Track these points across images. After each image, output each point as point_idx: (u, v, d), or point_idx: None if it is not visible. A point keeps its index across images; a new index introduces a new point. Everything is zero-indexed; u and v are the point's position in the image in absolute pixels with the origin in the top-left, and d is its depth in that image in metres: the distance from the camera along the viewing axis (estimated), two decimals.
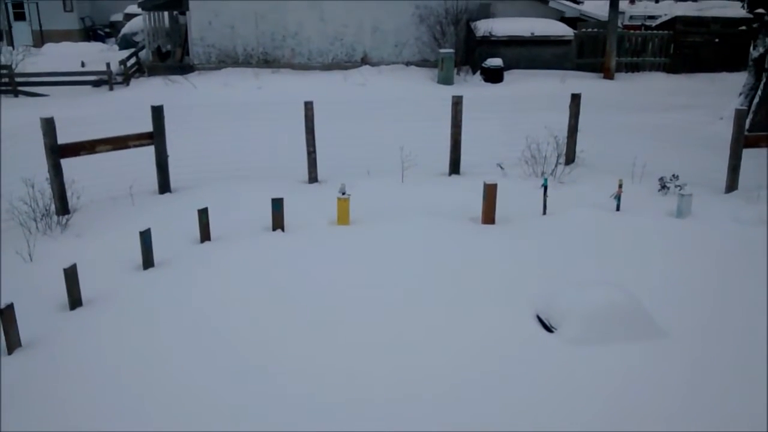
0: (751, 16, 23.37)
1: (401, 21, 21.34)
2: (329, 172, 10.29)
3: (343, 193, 8.35)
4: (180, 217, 8.38)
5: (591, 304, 6.03)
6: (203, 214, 7.83)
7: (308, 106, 10.18)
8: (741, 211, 8.79)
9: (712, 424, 4.77)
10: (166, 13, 23.05)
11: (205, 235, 7.87)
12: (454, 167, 10.73)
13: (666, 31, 22.78)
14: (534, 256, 7.45)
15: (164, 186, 9.81)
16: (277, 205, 8.08)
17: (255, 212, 8.44)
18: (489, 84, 19.85)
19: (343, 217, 8.36)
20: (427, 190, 9.73)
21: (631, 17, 31.43)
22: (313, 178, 10.29)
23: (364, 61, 21.40)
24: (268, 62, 20.92)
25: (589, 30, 22.21)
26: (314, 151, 10.25)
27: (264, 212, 8.19)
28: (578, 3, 31.77)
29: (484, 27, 20.73)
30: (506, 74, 20.18)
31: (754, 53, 15.22)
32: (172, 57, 22.46)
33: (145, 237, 7.12)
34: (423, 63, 21.43)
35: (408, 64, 21.54)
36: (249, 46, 20.84)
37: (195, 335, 5.85)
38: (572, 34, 21.50)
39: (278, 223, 8.12)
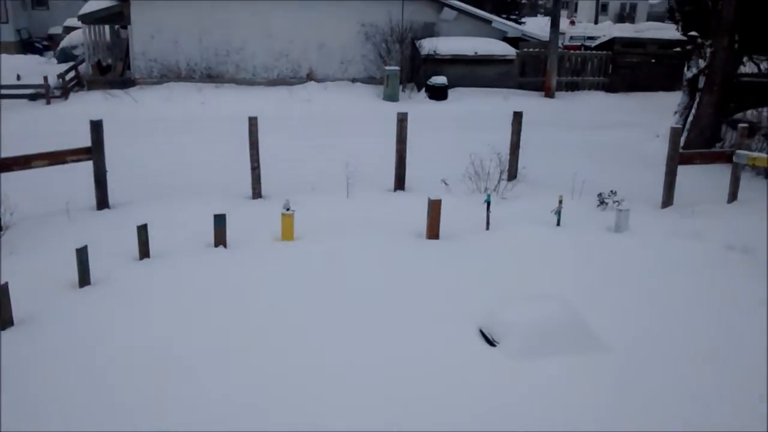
0: (685, 38, 24.25)
1: (347, 38, 21.42)
2: (274, 188, 10.21)
3: (288, 209, 8.28)
4: (118, 233, 8.17)
5: (532, 318, 6.11)
6: (142, 230, 7.65)
7: (252, 122, 10.09)
8: (677, 225, 9.05)
9: None
10: (107, 27, 22.61)
11: (144, 252, 7.68)
12: (400, 183, 10.77)
13: (605, 52, 23.43)
14: (477, 271, 7.51)
15: (102, 202, 9.57)
16: (220, 220, 7.96)
17: (197, 228, 8.29)
18: (434, 101, 20.06)
19: (288, 233, 8.28)
20: (372, 205, 9.73)
21: (571, 38, 32.26)
22: (257, 193, 10.19)
23: (310, 77, 21.38)
24: (211, 77, 20.71)
25: (531, 50, 22.68)
26: (258, 167, 10.15)
27: (206, 228, 8.06)
28: (520, 23, 32.50)
29: (428, 45, 20.97)
30: (451, 92, 20.43)
31: (689, 74, 15.80)
32: (112, 71, 22.03)
33: (82, 254, 6.91)
34: (369, 80, 21.54)
35: (354, 80, 21.60)
36: (192, 61, 20.60)
37: (131, 355, 5.68)
38: (515, 53, 21.93)
39: (220, 239, 8.00)
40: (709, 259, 7.95)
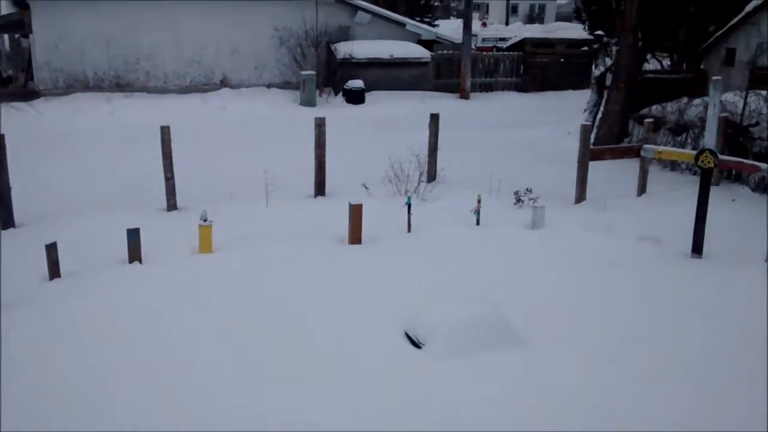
0: (592, 37, 25.12)
1: (261, 43, 21.15)
2: (190, 199, 9.94)
3: (205, 220, 8.07)
4: (26, 253, 7.77)
5: (456, 318, 6.16)
6: (52, 249, 7.29)
7: (165, 131, 9.80)
8: (590, 219, 9.33)
9: (571, 427, 4.97)
10: (6, 37, 21.57)
11: (54, 272, 7.32)
12: (320, 189, 10.69)
13: (516, 53, 24.01)
14: (401, 274, 7.52)
15: (7, 221, 9.08)
16: (133, 235, 7.68)
17: (109, 244, 7.97)
18: (351, 105, 20.06)
19: (206, 245, 8.07)
20: (293, 212, 9.62)
21: (483, 39, 32.90)
22: (172, 205, 9.89)
23: (224, 83, 21.00)
24: (121, 86, 20.04)
25: (445, 52, 23.00)
26: (172, 178, 9.86)
27: (119, 243, 7.75)
28: (434, 26, 32.88)
29: (344, 49, 20.96)
30: (368, 95, 20.48)
31: (596, 72, 16.37)
32: (14, 83, 21.03)
33: None
34: (285, 85, 21.33)
35: (269, 86, 21.35)
36: (100, 70, 19.88)
37: (42, 378, 5.40)
38: (429, 56, 22.18)
39: (135, 254, 7.71)
40: (622, 251, 8.22)
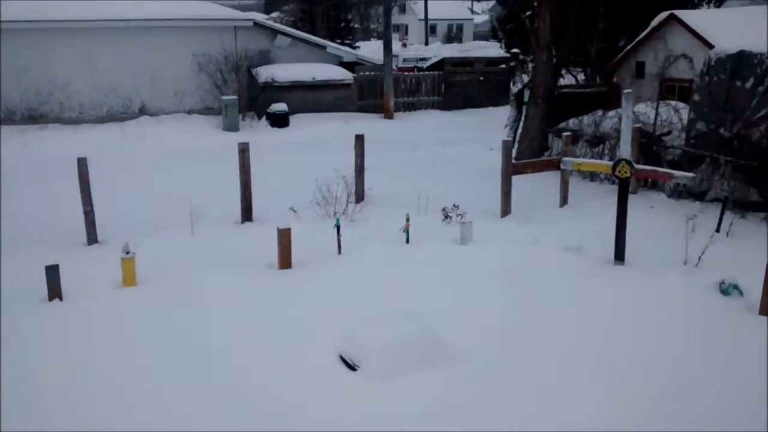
0: (509, 55, 25.80)
1: (180, 70, 20.81)
2: (112, 231, 9.60)
3: (127, 253, 7.81)
4: None
5: (390, 337, 6.13)
6: None
7: (81, 162, 9.47)
8: (516, 232, 9.49)
9: None
10: None
11: None
12: (247, 214, 10.53)
13: (437, 72, 24.41)
14: (333, 297, 7.46)
15: None
16: (52, 272, 7.36)
17: (28, 282, 7.61)
18: (276, 129, 19.93)
19: (129, 278, 7.81)
20: (219, 240, 9.43)
21: (404, 60, 33.36)
22: (92, 239, 9.54)
23: (143, 111, 20.53)
24: (34, 118, 19.33)
25: (368, 73, 23.17)
26: (92, 211, 9.52)
27: (39, 281, 7.41)
28: (355, 48, 33.15)
29: (265, 73, 20.86)
30: (292, 118, 20.40)
31: (514, 89, 16.76)
32: None
33: None
34: (206, 111, 21.02)
35: (190, 112, 21.00)
36: (11, 102, 19.13)
37: None
38: (352, 77, 22.30)
39: (55, 291, 7.38)
40: (547, 262, 8.38)
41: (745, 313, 7.02)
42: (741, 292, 7.30)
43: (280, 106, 20.24)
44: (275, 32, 22.37)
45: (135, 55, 20.26)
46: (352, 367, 6.00)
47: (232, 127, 19.47)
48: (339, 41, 32.17)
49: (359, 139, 11.52)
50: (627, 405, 5.44)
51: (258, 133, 18.54)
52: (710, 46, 15.00)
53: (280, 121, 20.10)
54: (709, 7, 23.46)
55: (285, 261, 8.34)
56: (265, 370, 5.94)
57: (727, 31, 16.06)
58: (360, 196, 11.28)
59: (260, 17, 26.14)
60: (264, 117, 20.49)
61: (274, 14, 44.75)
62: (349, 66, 23.14)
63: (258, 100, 20.84)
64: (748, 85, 10.88)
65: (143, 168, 14.64)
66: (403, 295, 7.46)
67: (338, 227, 8.85)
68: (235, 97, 19.93)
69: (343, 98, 22.04)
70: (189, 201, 9.84)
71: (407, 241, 9.11)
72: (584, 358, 6.14)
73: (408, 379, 5.72)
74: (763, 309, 6.95)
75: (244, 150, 10.50)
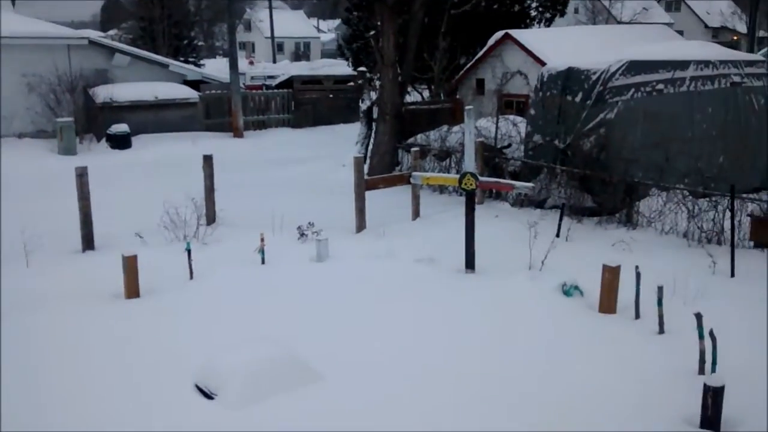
0: (356, 73, 26.22)
1: (7, 91, 19.32)
2: None
3: None
4: None
5: (248, 362, 5.95)
6: None
7: None
8: (371, 247, 9.59)
9: None
10: None
11: None
12: (88, 243, 9.89)
13: (286, 90, 24.32)
14: (187, 324, 7.15)
15: None
16: None
17: None
18: (117, 151, 18.97)
19: None
20: (57, 272, 8.77)
21: (252, 78, 32.98)
22: None
23: None
24: None
25: (214, 92, 22.66)
26: None
27: None
28: (199, 66, 32.39)
29: (104, 93, 19.84)
30: (135, 139, 19.51)
31: (363, 106, 17.01)
32: None
33: None
34: (39, 134, 19.64)
35: (21, 136, 19.54)
36: None
37: None
38: (197, 96, 21.72)
39: None
40: (402, 274, 8.52)
41: (587, 311, 7.48)
42: (582, 293, 7.78)
43: (120, 127, 19.29)
44: (113, 50, 21.39)
45: None
46: (209, 396, 5.76)
47: (68, 150, 18.30)
48: (183, 59, 31.29)
49: (208, 159, 11.19)
50: (484, 402, 5.61)
51: (98, 156, 17.55)
52: (542, 63, 16.04)
53: (121, 142, 19.16)
54: (540, 27, 25.11)
55: (132, 289, 7.90)
56: (112, 409, 5.56)
57: (557, 49, 17.25)
58: (211, 218, 10.95)
59: (96, 35, 24.94)
60: (104, 139, 19.45)
61: (112, 32, 42.87)
62: (195, 84, 22.54)
63: (97, 122, 19.75)
64: (578, 99, 11.70)
65: None
66: (262, 318, 7.29)
67: (189, 251, 8.51)
68: (71, 118, 18.76)
69: (189, 117, 21.39)
70: (22, 232, 9.11)
71: (263, 262, 8.93)
72: (443, 366, 6.27)
73: (268, 404, 5.57)
74: (602, 307, 7.43)
75: (82, 174, 9.87)
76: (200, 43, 46.79)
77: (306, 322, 7.16)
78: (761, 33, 42.77)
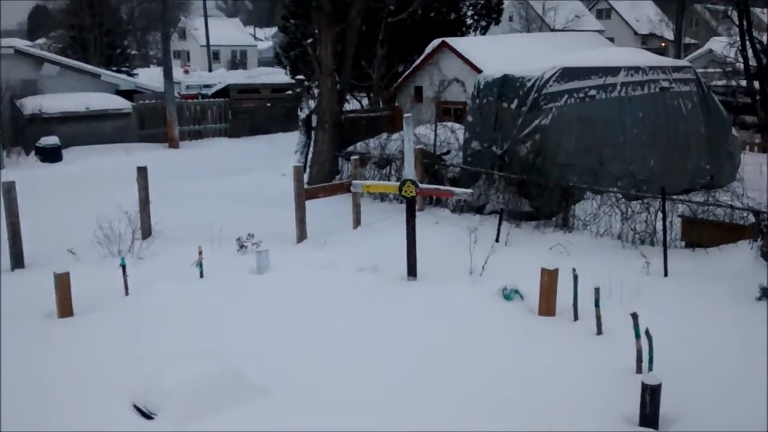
0: (294, 81, 26.07)
1: None
2: None
3: None
4: None
5: (189, 379, 5.81)
6: None
7: None
8: (313, 257, 9.51)
9: None
10: None
11: None
12: (17, 261, 9.53)
13: (222, 99, 24.00)
14: (123, 343, 6.93)
15: None
16: None
17: None
18: (47, 164, 18.38)
19: None
20: None
21: (187, 87, 32.38)
22: None
23: None
24: None
25: (148, 102, 22.21)
26: None
27: None
28: (133, 75, 31.69)
29: (32, 104, 19.23)
30: (66, 152, 18.93)
31: (302, 114, 16.90)
32: None
33: None
34: None
35: None
36: None
37: None
38: (131, 106, 21.26)
39: None
40: (344, 284, 8.46)
41: (527, 314, 7.56)
42: (522, 296, 7.87)
43: (50, 140, 18.70)
44: (41, 60, 20.76)
45: None
46: (148, 416, 5.60)
47: None
48: (115, 69, 30.60)
49: (142, 171, 10.91)
50: (429, 407, 5.62)
51: (26, 170, 16.96)
52: (479, 71, 16.27)
53: (51, 155, 18.57)
54: (476, 35, 25.49)
55: (65, 308, 7.62)
56: (48, 422, 5.34)
57: (493, 57, 17.52)
58: (147, 232, 10.68)
59: (23, 44, 24.14)
60: (33, 152, 18.81)
61: (40, 41, 41.61)
62: (128, 94, 22.06)
63: (25, 134, 19.11)
64: (513, 106, 11.89)
65: None
66: (201, 333, 7.11)
67: (124, 266, 8.26)
68: None
69: (122, 128, 20.89)
70: None
71: (201, 275, 8.74)
72: (388, 374, 6.24)
73: (211, 421, 5.45)
74: (541, 310, 7.54)
75: (9, 189, 9.51)
76: (133, 52, 45.88)
77: (247, 335, 7.03)
78: (687, 40, 44.51)
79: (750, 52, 19.59)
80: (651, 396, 5.28)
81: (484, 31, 26.07)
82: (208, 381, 5.81)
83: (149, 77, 31.63)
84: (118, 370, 6.32)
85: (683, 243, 9.92)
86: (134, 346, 6.84)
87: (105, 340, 6.99)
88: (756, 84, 19.76)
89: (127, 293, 8.23)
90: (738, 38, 19.96)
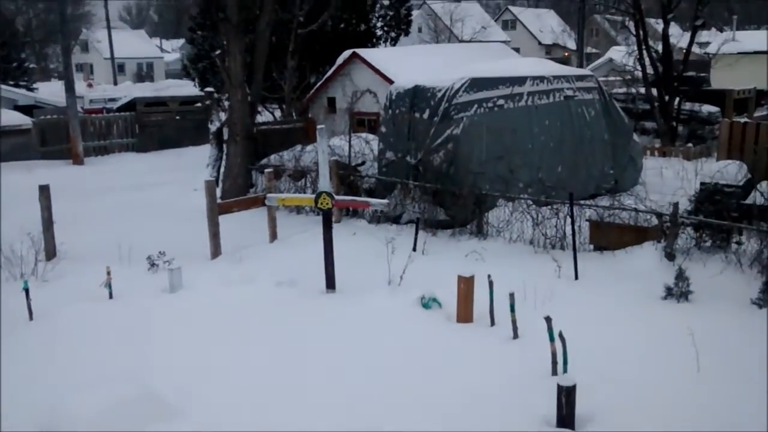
0: (203, 94, 25.57)
1: None
2: None
3: None
4: None
5: (101, 403, 5.60)
6: None
7: None
8: (228, 273, 9.30)
9: None
10: None
11: None
12: None
13: (129, 113, 23.26)
14: (29, 369, 6.59)
15: None
16: None
17: None
18: None
19: None
20: None
21: (91, 101, 31.22)
22: None
23: None
24: None
25: (49, 117, 21.29)
26: None
27: None
28: (32, 90, 30.34)
29: None
30: None
31: (213, 127, 16.57)
32: None
33: None
34: None
35: None
36: None
37: None
38: (30, 122, 20.31)
39: None
40: (262, 299, 8.33)
41: (446, 322, 7.66)
42: (440, 304, 7.95)
43: None
44: None
45: None
46: None
47: None
48: (13, 83, 29.19)
49: (44, 190, 10.40)
50: (352, 417, 5.60)
51: None
52: (390, 82, 16.41)
53: None
54: (386, 46, 25.74)
55: None
56: None
57: (404, 67, 17.71)
58: (51, 253, 10.19)
59: None
60: None
61: None
62: (27, 110, 21.09)
63: None
64: (426, 116, 12.03)
65: None
66: (112, 356, 6.84)
67: (27, 290, 7.85)
68: None
69: (22, 145, 19.92)
70: None
71: (110, 297, 8.41)
72: (308, 389, 6.17)
73: None
74: (459, 317, 7.64)
75: None
76: (32, 66, 43.95)
77: (160, 356, 6.81)
78: (589, 49, 46.41)
79: (647, 61, 20.55)
80: (566, 397, 5.42)
81: (394, 42, 26.39)
82: (122, 405, 5.61)
83: (50, 91, 30.37)
84: (23, 397, 6.00)
85: (591, 246, 10.27)
86: (40, 373, 6.51)
87: (8, 368, 6.61)
88: (654, 91, 20.73)
89: (31, 318, 7.82)
90: (636, 48, 20.89)
